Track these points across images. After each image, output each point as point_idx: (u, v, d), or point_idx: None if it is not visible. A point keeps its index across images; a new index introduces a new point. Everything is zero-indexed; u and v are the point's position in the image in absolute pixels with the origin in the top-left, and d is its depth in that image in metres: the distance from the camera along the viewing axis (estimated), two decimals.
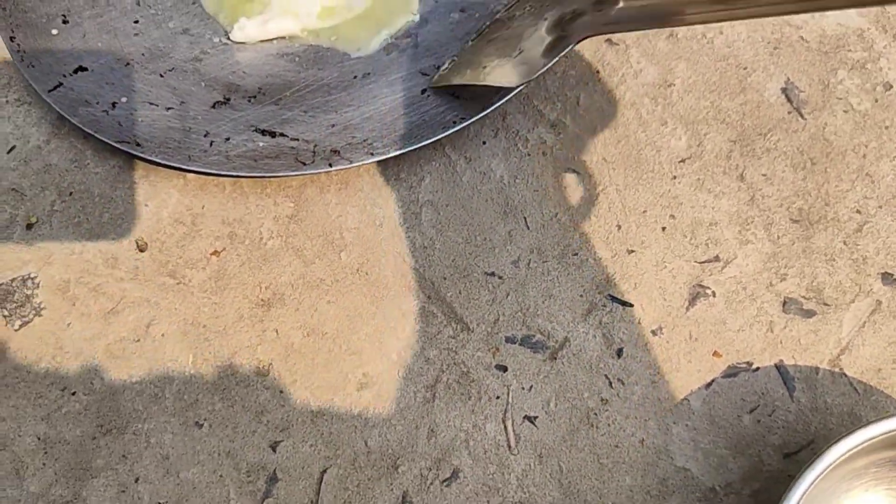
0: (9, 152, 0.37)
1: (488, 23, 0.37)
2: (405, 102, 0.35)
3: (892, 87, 0.37)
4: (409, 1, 0.39)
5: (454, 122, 0.35)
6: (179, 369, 0.33)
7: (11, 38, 0.37)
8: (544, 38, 0.34)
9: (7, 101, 0.38)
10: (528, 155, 0.36)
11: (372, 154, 0.34)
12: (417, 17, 0.39)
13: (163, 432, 0.32)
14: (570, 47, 0.33)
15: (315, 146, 0.35)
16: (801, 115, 0.37)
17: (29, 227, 0.36)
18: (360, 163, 0.34)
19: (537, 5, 0.36)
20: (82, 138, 0.37)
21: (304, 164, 0.34)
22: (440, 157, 0.37)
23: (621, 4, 0.31)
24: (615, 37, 0.39)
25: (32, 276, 0.35)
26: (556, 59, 0.33)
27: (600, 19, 0.32)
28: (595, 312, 0.34)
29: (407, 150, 0.34)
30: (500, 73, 0.34)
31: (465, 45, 0.37)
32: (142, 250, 0.35)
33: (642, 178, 0.36)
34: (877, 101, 0.37)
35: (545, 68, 0.33)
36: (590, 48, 0.38)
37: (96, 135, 0.35)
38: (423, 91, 0.36)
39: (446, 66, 0.37)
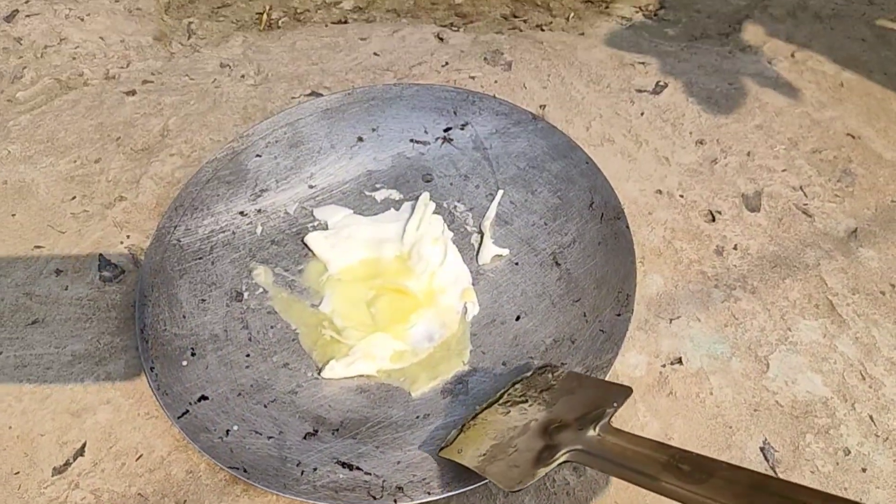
0: (137, 460, 0.47)
1: (491, 400, 0.44)
2: None
3: (850, 452, 0.46)
4: (462, 351, 0.49)
5: None
6: None
7: (151, 369, 0.47)
8: (535, 442, 0.40)
9: (139, 415, 0.48)
10: (555, 494, 0.45)
11: (429, 493, 0.43)
12: (468, 367, 0.49)
13: None
14: (558, 462, 0.39)
15: (384, 481, 0.44)
16: (776, 472, 0.45)
17: None
18: (419, 501, 0.43)
19: (529, 398, 0.43)
20: (198, 453, 0.46)
21: (374, 498, 0.43)
22: (483, 490, 0.45)
23: (595, 432, 0.39)
24: None
25: None
26: (545, 472, 0.38)
27: (580, 439, 0.39)
28: None
29: (455, 492, 0.43)
30: (497, 469, 0.40)
31: (468, 418, 0.44)
32: None
33: None
34: (837, 464, 0.45)
35: (535, 479, 0.39)
36: None
37: (213, 460, 0.44)
38: None
39: (453, 434, 0.44)
